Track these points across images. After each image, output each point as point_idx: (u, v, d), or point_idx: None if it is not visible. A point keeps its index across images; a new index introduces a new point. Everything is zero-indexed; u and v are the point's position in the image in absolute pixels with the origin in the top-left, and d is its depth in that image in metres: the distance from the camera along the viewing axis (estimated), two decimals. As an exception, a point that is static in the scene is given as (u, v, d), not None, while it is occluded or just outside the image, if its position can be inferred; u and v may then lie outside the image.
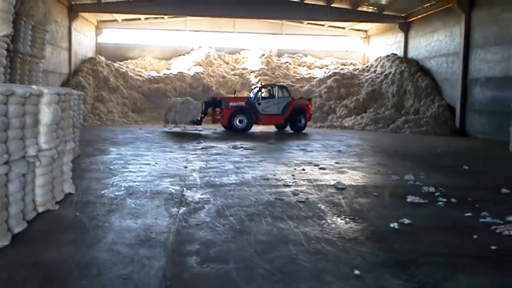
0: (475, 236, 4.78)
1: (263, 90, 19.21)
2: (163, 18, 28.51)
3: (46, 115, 5.21)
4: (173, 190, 6.86)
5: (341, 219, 5.40)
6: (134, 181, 7.47)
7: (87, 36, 25.77)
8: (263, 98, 18.75)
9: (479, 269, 3.89)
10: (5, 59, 6.71)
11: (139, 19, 28.14)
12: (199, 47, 29.35)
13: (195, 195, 6.57)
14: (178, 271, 3.70)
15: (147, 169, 8.82)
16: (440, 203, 6.33)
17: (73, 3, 22.23)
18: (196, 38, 29.74)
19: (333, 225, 5.14)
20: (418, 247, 4.45)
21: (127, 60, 27.94)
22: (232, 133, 17.40)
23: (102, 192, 6.61)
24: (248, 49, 29.93)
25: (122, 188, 6.88)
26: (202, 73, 26.74)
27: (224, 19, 27.54)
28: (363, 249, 4.35)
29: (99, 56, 26.04)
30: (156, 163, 9.54)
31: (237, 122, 17.87)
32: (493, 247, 4.45)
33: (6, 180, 4.27)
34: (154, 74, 26.73)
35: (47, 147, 5.26)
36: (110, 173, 8.23)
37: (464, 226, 5.24)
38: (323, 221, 5.29)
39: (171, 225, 4.99)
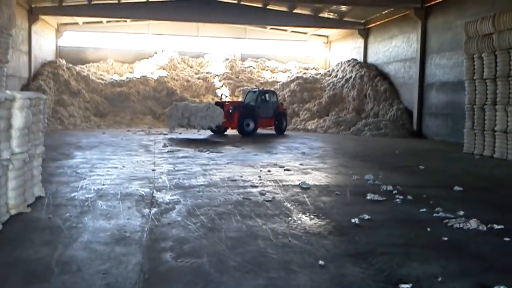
0: (428, 229, 5.19)
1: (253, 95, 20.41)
2: (125, 21, 28.33)
3: (18, 119, 5.30)
4: (143, 192, 7.01)
5: (306, 216, 5.73)
6: (103, 184, 7.57)
7: (47, 39, 25.35)
8: (261, 102, 19.70)
9: (431, 257, 4.27)
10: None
11: (101, 22, 27.86)
12: (163, 50, 29.33)
13: (165, 197, 6.76)
14: (155, 266, 3.91)
15: (115, 172, 8.91)
16: (397, 200, 6.77)
17: (33, 6, 21.86)
18: (160, 41, 29.71)
19: (299, 222, 5.45)
20: (376, 239, 4.82)
21: (88, 63, 27.60)
22: (243, 136, 18.40)
23: (72, 195, 6.70)
24: (212, 53, 30.14)
25: (92, 191, 6.98)
26: (166, 76, 26.75)
27: (187, 23, 27.65)
28: (327, 242, 4.68)
29: (60, 60, 25.64)
30: (123, 167, 9.64)
31: (246, 125, 18.77)
32: (445, 238, 4.87)
33: (-18, 182, 4.36)
34: (116, 77, 26.53)
35: (19, 151, 5.34)
36: (78, 176, 8.28)
37: (419, 220, 5.67)
38: (289, 218, 5.60)
39: (144, 224, 5.17)
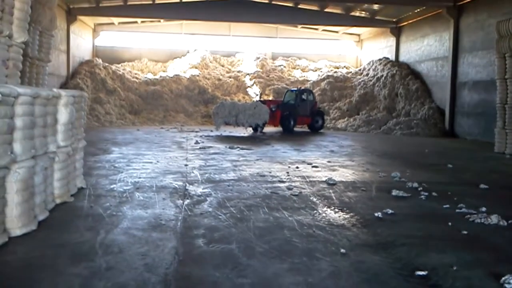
0: (449, 223, 5.37)
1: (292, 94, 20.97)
2: (159, 21, 29.04)
3: (63, 115, 5.76)
4: (176, 185, 7.40)
5: (331, 210, 5.98)
6: (140, 177, 8.00)
7: (84, 39, 26.28)
8: (300, 101, 20.32)
9: (449, 248, 4.47)
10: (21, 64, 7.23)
11: (136, 22, 28.65)
12: (195, 50, 29.90)
13: (197, 190, 7.12)
14: (188, 250, 4.25)
15: (150, 167, 9.35)
16: (422, 196, 6.93)
17: (71, 7, 22.73)
18: (192, 41, 30.30)
19: (323, 214, 5.71)
20: (397, 231, 5.03)
21: (123, 62, 28.43)
22: (286, 133, 19.06)
23: (111, 187, 7.15)
24: (243, 52, 30.52)
25: (129, 184, 7.42)
26: (198, 75, 27.28)
27: (219, 22, 28.11)
28: (349, 233, 4.93)
29: (96, 59, 26.53)
30: (157, 162, 10.08)
31: (288, 123, 19.54)
32: (464, 232, 5.04)
33: (33, 172, 4.80)
34: (150, 76, 27.25)
35: (64, 144, 5.80)
36: (115, 170, 8.76)
37: (441, 215, 5.83)
38: (315, 211, 5.86)
39: (178, 214, 5.54)
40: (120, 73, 26.09)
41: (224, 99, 24.74)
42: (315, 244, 4.50)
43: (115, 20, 27.63)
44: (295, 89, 21.69)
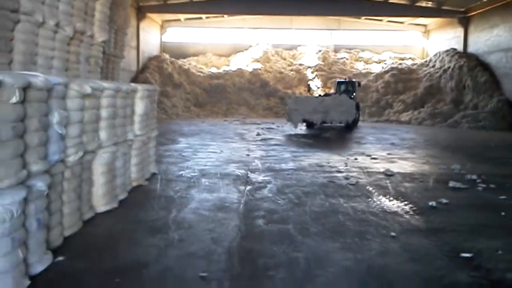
0: (503, 213, 5.46)
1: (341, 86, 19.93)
2: (223, 16, 29.85)
3: (139, 107, 6.41)
4: (239, 173, 7.91)
5: (386, 198, 6.22)
6: (205, 165, 8.60)
7: (152, 35, 27.59)
8: (344, 92, 19.19)
9: (498, 235, 4.62)
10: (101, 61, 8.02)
11: (201, 18, 29.63)
12: (257, 44, 30.45)
13: (258, 177, 7.58)
14: (249, 228, 4.72)
15: (214, 156, 9.95)
16: (479, 188, 6.98)
17: (141, 4, 23.97)
18: (254, 35, 30.88)
19: (378, 202, 5.97)
20: (449, 219, 5.21)
21: (189, 57, 29.55)
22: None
23: (180, 173, 7.78)
24: (305, 45, 30.68)
25: (196, 171, 8.02)
26: (260, 69, 27.84)
27: (281, 16, 28.43)
28: (401, 219, 5.18)
29: (164, 54, 27.79)
30: (221, 152, 10.67)
31: None
32: (517, 221, 5.14)
33: (115, 157, 5.45)
34: (214, 70, 28.15)
35: (140, 133, 6.45)
36: (183, 158, 9.43)
37: (496, 205, 5.90)
38: (369, 199, 6.13)
39: (240, 198, 6.02)
40: (186, 67, 27.18)
41: (291, 92, 25.06)
42: (367, 228, 4.80)
43: (181, 16, 28.77)
44: (343, 80, 20.77)
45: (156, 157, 8.36)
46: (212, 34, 31.35)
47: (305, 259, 3.87)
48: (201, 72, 27.75)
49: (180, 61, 27.69)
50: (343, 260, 3.88)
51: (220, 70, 28.08)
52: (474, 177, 7.71)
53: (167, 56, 27.54)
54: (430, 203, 5.89)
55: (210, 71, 27.90)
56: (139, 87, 6.40)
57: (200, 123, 19.28)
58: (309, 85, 19.44)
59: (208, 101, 25.80)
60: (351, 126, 17.30)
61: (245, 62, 28.82)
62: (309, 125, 17.19)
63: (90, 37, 7.19)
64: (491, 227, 4.94)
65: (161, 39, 29.65)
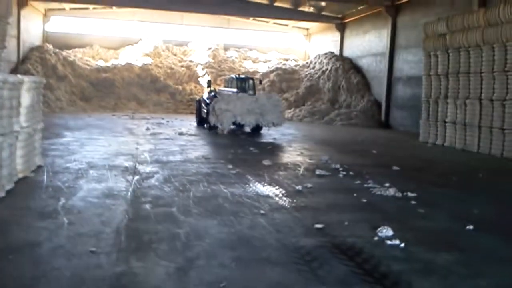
0: (355, 194, 6.56)
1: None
2: (111, 8, 29.12)
3: (26, 99, 6.49)
4: (127, 165, 8.25)
5: (260, 184, 7.05)
6: (93, 158, 8.78)
7: (34, 24, 26.09)
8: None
9: (348, 211, 5.63)
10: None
11: (87, 8, 28.63)
12: (147, 38, 30.23)
13: (146, 168, 8.01)
14: (136, 211, 5.19)
15: (102, 149, 10.11)
16: (340, 175, 8.14)
17: (21, -9, 22.64)
18: (145, 28, 30.59)
19: (253, 188, 6.78)
20: (311, 200, 6.17)
21: (75, 48, 28.41)
22: None
23: (67, 165, 7.91)
24: (195, 42, 31.15)
25: (83, 163, 8.19)
26: (150, 64, 27.74)
27: (172, 11, 28.54)
28: (271, 201, 6.01)
29: (47, 45, 26.41)
30: (109, 145, 10.82)
31: None
32: (364, 200, 6.24)
33: (1, 148, 5.55)
34: (102, 63, 27.44)
35: (26, 125, 6.54)
36: (70, 152, 9.48)
37: (351, 188, 7.01)
38: (247, 185, 6.91)
39: (128, 187, 6.43)
40: (71, 59, 26.16)
41: (176, 88, 25.34)
42: (242, 208, 5.54)
43: (66, 5, 27.52)
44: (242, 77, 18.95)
45: (42, 150, 8.37)
46: (100, 25, 30.43)
47: (185, 233, 4.47)
48: (88, 64, 26.88)
49: (65, 52, 26.53)
50: (218, 233, 4.55)
51: (109, 64, 27.44)
52: (338, 166, 8.91)
53: (50, 46, 26.19)
54: (297, 187, 6.82)
55: (97, 64, 27.14)
56: (26, 78, 6.48)
57: (87, 118, 18.88)
58: (209, 81, 17.91)
59: (95, 95, 25.14)
60: (259, 129, 15.36)
61: (135, 56, 28.47)
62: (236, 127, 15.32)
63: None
64: (343, 205, 5.97)
65: (44, 29, 28.05)
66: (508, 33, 11.87)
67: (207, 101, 15.62)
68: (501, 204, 6.61)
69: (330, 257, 4.03)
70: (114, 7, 28.95)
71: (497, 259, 4.24)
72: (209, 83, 17.64)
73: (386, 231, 4.69)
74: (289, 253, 4.10)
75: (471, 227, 5.14)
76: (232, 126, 15.01)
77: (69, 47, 28.10)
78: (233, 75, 18.67)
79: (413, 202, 6.28)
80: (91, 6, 28.24)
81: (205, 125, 15.82)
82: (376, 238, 4.60)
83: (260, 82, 19.39)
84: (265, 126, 14.71)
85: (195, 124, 17.75)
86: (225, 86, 18.70)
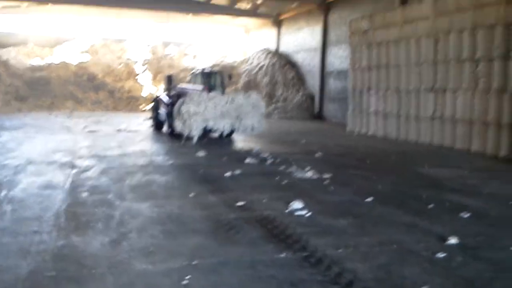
0: (277, 178, 7.35)
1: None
2: (47, 4, 28.48)
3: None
4: (65, 160, 8.62)
5: (191, 172, 7.69)
6: (31, 155, 9.06)
7: (-38, 22, 25.18)
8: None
9: (268, 191, 6.40)
10: None
11: (19, 6, 27.88)
12: (84, 35, 29.84)
13: (84, 163, 8.43)
14: (74, 199, 5.71)
15: (40, 147, 10.34)
16: (268, 162, 8.93)
17: None
18: (81, 26, 30.14)
19: (185, 176, 7.43)
20: (237, 184, 6.90)
21: (7, 47, 27.61)
22: None
23: (5, 162, 8.19)
24: (134, 39, 31.05)
25: (22, 159, 8.48)
26: (87, 62, 27.48)
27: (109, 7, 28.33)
28: (201, 186, 6.67)
29: (-23, 43, 25.59)
30: (47, 143, 11.04)
31: None
32: (284, 182, 7.05)
33: None
34: (37, 62, 26.88)
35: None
36: (7, 149, 9.68)
37: (275, 173, 7.80)
38: (182, 174, 7.53)
39: (67, 179, 6.88)
40: (4, 58, 25.46)
41: (114, 86, 25.33)
42: (174, 193, 6.19)
43: (-3, 4, 26.71)
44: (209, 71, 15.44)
45: (-22, 149, 8.58)
46: (34, 22, 29.66)
47: (120, 214, 5.06)
48: (22, 63, 26.27)
49: (-4, 51, 25.81)
50: (150, 213, 5.17)
51: (43, 62, 26.93)
52: (267, 154, 9.69)
53: (-20, 45, 25.42)
54: (227, 174, 7.53)
55: (31, 64, 26.56)
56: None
57: (23, 117, 18.66)
58: (170, 77, 15.05)
59: (30, 94, 24.62)
60: (230, 134, 12.90)
61: (71, 54, 28.07)
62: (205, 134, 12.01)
63: None
64: (265, 186, 6.74)
65: (-28, 27, 27.14)
66: (421, 30, 13.13)
67: (167, 102, 13.24)
68: (403, 181, 7.62)
69: (245, 227, 4.76)
70: (49, 4, 28.34)
71: (385, 223, 5.12)
72: (170, 79, 14.83)
73: (296, 204, 5.49)
74: (211, 225, 4.80)
75: (370, 199, 6.04)
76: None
77: (1, 45, 27.28)
78: (198, 69, 15.57)
79: (326, 182, 7.15)
80: (24, 4, 27.52)
81: (165, 130, 13.70)
82: (287, 210, 5.38)
83: (230, 77, 16.87)
84: (243, 132, 12.31)
85: (143, 122, 16.89)
86: (188, 82, 15.91)
